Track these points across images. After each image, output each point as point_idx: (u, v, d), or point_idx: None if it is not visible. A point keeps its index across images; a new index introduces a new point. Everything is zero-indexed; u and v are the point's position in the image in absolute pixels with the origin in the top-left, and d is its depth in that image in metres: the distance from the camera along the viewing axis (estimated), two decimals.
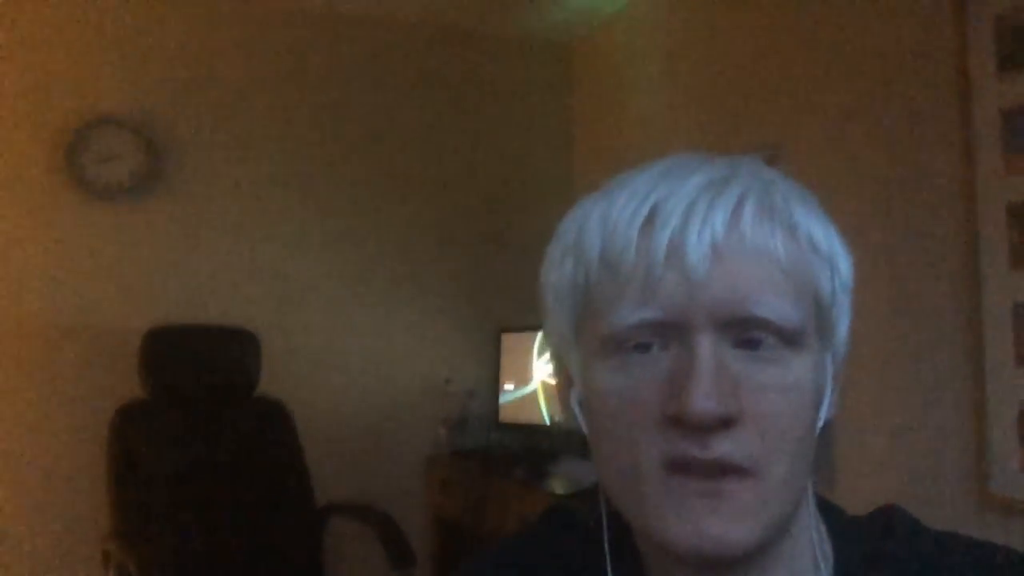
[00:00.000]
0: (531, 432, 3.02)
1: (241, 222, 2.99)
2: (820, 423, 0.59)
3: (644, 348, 0.55)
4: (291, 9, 3.07)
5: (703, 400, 0.51)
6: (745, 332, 0.54)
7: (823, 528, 0.64)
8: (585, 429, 0.61)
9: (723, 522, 0.53)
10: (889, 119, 1.92)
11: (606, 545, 0.64)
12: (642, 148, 2.85)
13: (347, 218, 3.14)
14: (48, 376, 2.70)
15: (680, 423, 0.53)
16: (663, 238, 0.54)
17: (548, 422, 2.91)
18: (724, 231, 0.54)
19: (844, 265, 0.59)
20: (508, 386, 3.15)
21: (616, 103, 3.19)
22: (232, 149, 2.98)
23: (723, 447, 0.52)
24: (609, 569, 0.64)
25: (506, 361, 3.17)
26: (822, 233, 0.57)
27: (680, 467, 0.54)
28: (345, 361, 3.11)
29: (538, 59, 3.46)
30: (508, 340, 3.17)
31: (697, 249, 0.53)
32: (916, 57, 1.86)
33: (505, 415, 3.15)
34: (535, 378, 3.03)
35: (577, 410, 0.61)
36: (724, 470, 0.53)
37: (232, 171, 2.98)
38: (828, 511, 0.66)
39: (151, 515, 2.37)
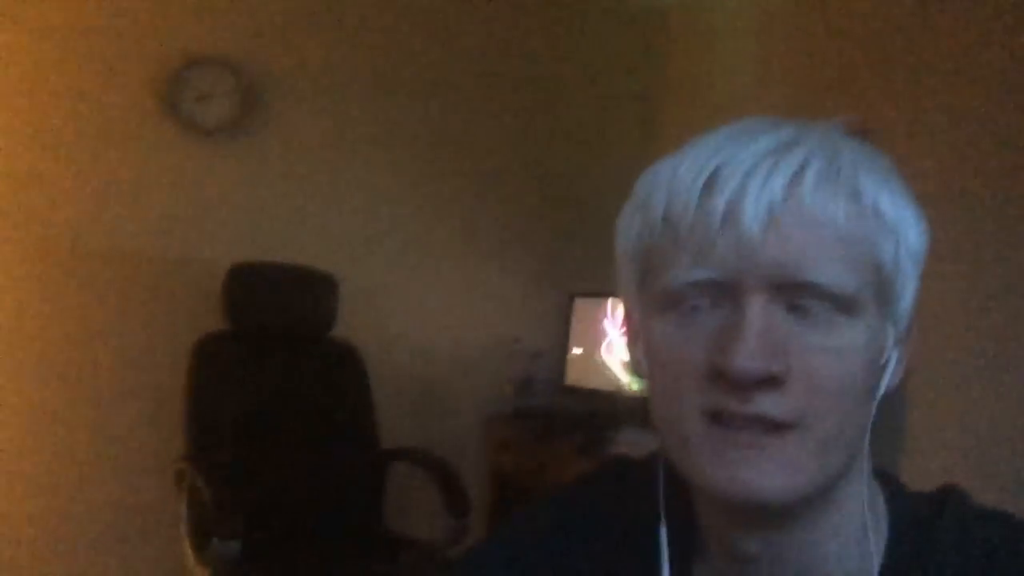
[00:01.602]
0: (596, 398, 3.03)
1: (329, 166, 3.05)
2: (881, 390, 0.59)
3: (698, 306, 0.57)
4: None
5: (747, 358, 0.53)
6: (797, 296, 0.55)
7: (880, 499, 0.64)
8: (646, 379, 0.62)
9: (758, 473, 0.54)
10: (994, 108, 1.85)
11: (660, 492, 0.66)
12: (729, 114, 2.77)
13: (432, 172, 3.17)
14: (134, 303, 2.81)
15: (724, 378, 0.54)
16: (721, 200, 0.55)
17: (614, 388, 2.91)
18: (782, 195, 0.54)
19: (913, 234, 0.58)
20: (576, 350, 3.17)
21: (706, 73, 3.13)
22: (326, 95, 3.03)
23: (764, 403, 0.54)
24: (663, 514, 0.66)
25: (576, 325, 3.19)
26: (889, 200, 0.57)
27: (721, 419, 0.55)
28: (419, 312, 3.16)
29: (628, 23, 3.41)
30: (580, 305, 3.18)
31: (753, 212, 0.54)
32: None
33: (571, 379, 3.17)
34: (604, 344, 3.03)
35: (641, 362, 0.63)
36: (764, 425, 0.54)
37: (324, 116, 3.04)
38: (887, 484, 0.66)
39: (223, 442, 2.47)
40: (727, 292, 0.56)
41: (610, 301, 3.01)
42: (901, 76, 2.13)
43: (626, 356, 0.70)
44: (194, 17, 2.87)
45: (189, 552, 2.30)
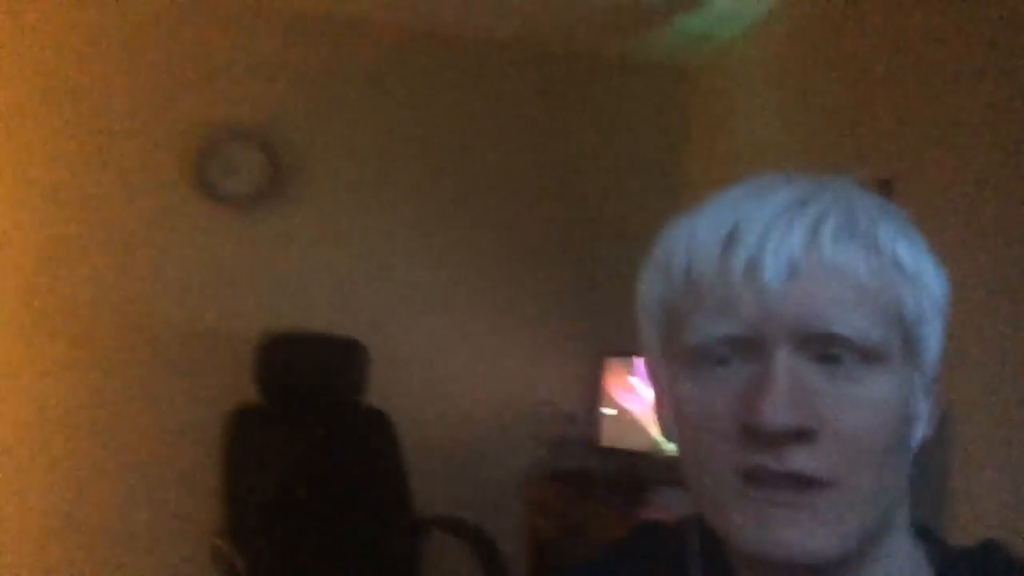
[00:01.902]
0: (632, 458, 2.99)
1: (355, 234, 3.09)
2: (914, 443, 0.59)
3: (724, 362, 0.57)
4: (412, 33, 3.17)
5: (776, 413, 0.52)
6: (823, 348, 0.54)
7: (921, 555, 0.63)
8: (676, 441, 0.62)
9: (799, 532, 0.54)
10: (1014, 158, 1.84)
11: (696, 557, 0.65)
12: (750, 171, 2.79)
13: (458, 235, 3.20)
14: (164, 377, 2.85)
15: (755, 434, 0.53)
16: (742, 255, 0.55)
17: (649, 448, 2.88)
18: (802, 249, 0.55)
19: (935, 284, 0.58)
20: (609, 411, 3.14)
21: (726, 130, 3.15)
22: (350, 165, 3.09)
23: (798, 459, 0.53)
24: (700, 569, 0.65)
25: (609, 386, 3.16)
26: (908, 251, 0.57)
27: (756, 478, 0.54)
28: (449, 377, 3.16)
29: (650, 82, 3.45)
30: (612, 365, 3.16)
31: (774, 266, 0.54)
32: None
33: (605, 439, 3.14)
34: (636, 404, 3.01)
35: (669, 423, 0.63)
36: (800, 482, 0.53)
37: (350, 185, 3.09)
38: (929, 539, 0.65)
39: (259, 516, 2.46)
40: (752, 347, 0.55)
41: (640, 360, 2.99)
42: (919, 129, 2.13)
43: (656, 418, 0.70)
44: (223, 90, 2.95)
45: None
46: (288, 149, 3.01)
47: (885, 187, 2.15)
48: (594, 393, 3.22)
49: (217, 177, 2.89)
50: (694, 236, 0.59)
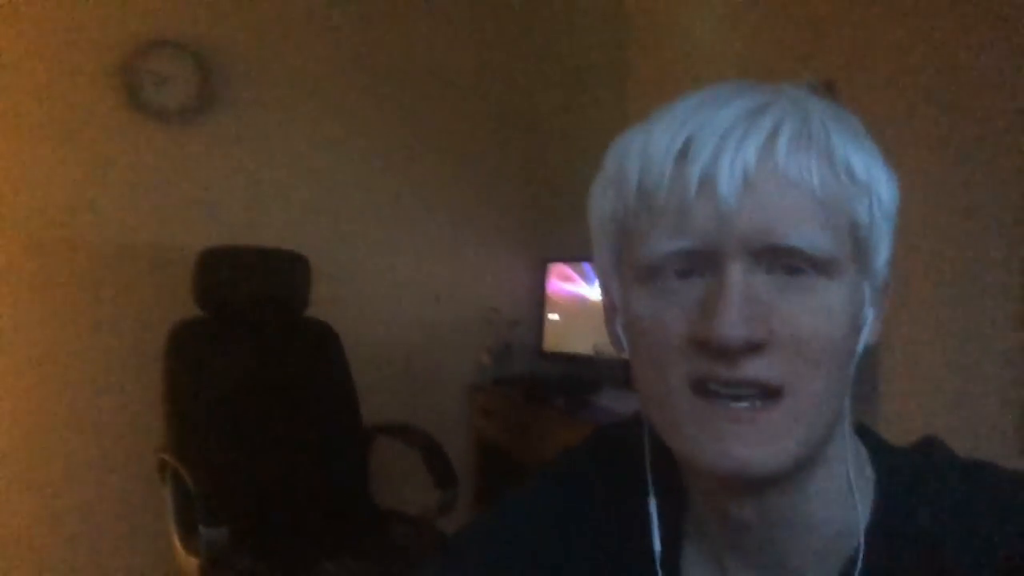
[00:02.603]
0: (574, 362, 3.04)
1: (293, 147, 3.01)
2: (860, 348, 0.60)
3: (678, 276, 0.57)
4: None
5: (729, 326, 0.53)
6: (777, 260, 0.55)
7: (864, 454, 0.65)
8: (627, 355, 0.62)
9: (748, 445, 0.54)
10: (954, 57, 1.86)
11: (647, 463, 0.66)
12: (696, 80, 2.78)
13: (398, 147, 3.14)
14: (103, 294, 2.77)
15: (708, 347, 0.54)
16: (696, 169, 0.55)
17: (592, 352, 2.93)
18: (756, 161, 0.54)
19: (886, 193, 0.59)
20: (553, 316, 3.17)
21: (670, 36, 3.11)
22: (286, 75, 2.98)
23: (752, 368, 0.54)
24: (651, 485, 0.66)
25: (551, 291, 3.19)
26: (861, 160, 0.57)
27: (707, 389, 0.55)
28: (393, 287, 3.15)
29: None
30: (554, 270, 3.18)
31: (728, 180, 0.54)
32: None
33: (548, 344, 3.18)
34: (580, 308, 3.04)
35: (620, 336, 0.63)
36: (752, 389, 0.54)
37: (286, 97, 2.99)
38: (869, 440, 0.67)
39: (203, 429, 2.45)
40: (706, 260, 0.55)
41: (584, 265, 3.01)
42: (861, 32, 2.13)
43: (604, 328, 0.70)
44: (149, 1, 2.80)
45: (177, 542, 2.29)
46: (220, 59, 2.88)
47: (828, 88, 2.16)
48: (538, 299, 3.25)
49: (149, 90, 2.77)
50: (646, 149, 0.58)
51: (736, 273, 0.54)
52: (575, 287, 3.06)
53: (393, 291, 3.15)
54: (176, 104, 2.81)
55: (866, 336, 0.60)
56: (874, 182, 0.58)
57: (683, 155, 0.56)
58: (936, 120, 1.90)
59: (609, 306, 0.66)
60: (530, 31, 3.30)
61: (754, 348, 0.54)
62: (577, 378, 2.91)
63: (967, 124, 1.82)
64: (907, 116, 1.96)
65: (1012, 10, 1.72)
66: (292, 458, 2.56)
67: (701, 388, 0.55)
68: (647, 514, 0.66)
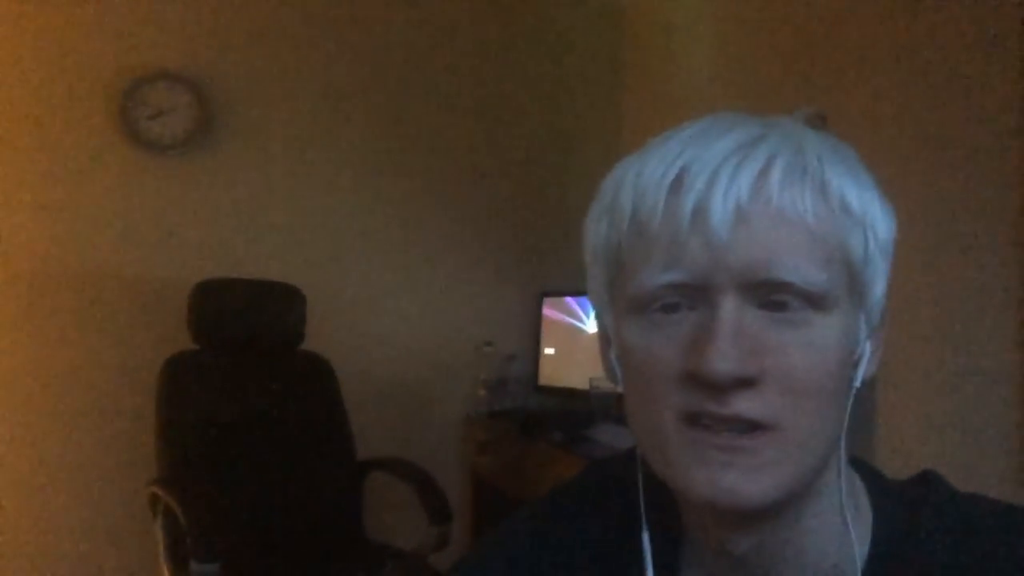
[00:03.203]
0: (570, 396, 3.03)
1: (289, 180, 3.02)
2: (857, 383, 0.59)
3: (670, 308, 0.56)
4: None
5: (720, 360, 0.52)
6: (769, 295, 0.54)
7: (861, 487, 0.65)
8: (621, 385, 0.62)
9: (738, 476, 0.54)
10: (943, 86, 1.87)
11: (641, 496, 0.66)
12: (690, 108, 2.80)
13: (394, 179, 3.15)
14: (97, 327, 2.77)
15: (699, 380, 0.54)
16: (689, 201, 0.55)
17: (587, 385, 2.91)
18: (749, 194, 0.54)
19: (882, 226, 0.58)
20: (548, 350, 3.17)
21: (665, 63, 3.14)
22: (284, 107, 3.01)
23: (741, 404, 0.53)
24: (644, 518, 0.66)
25: (547, 325, 3.19)
26: (856, 194, 0.57)
27: (698, 422, 0.55)
28: (388, 320, 3.15)
29: (588, 17, 3.42)
30: (550, 304, 3.18)
31: (721, 212, 0.54)
32: (973, 13, 1.81)
33: (544, 378, 3.17)
34: (575, 342, 3.03)
35: (614, 366, 0.63)
36: (742, 424, 0.54)
37: (282, 130, 3.01)
38: (866, 473, 0.66)
39: (196, 463, 2.43)
40: (698, 293, 0.55)
41: (579, 300, 3.01)
42: (853, 64, 2.15)
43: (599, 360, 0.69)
44: (144, 32, 2.83)
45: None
46: (216, 92, 2.90)
47: (819, 121, 2.18)
48: (533, 333, 3.25)
49: (144, 122, 2.79)
50: (640, 179, 0.58)
51: (728, 307, 0.54)
52: (571, 321, 3.06)
53: (388, 325, 3.14)
54: (171, 137, 2.83)
55: (864, 370, 0.60)
56: (869, 216, 0.57)
57: (677, 186, 0.56)
58: (927, 150, 1.91)
59: (603, 336, 0.65)
60: (526, 62, 3.33)
61: (745, 383, 0.53)
62: (572, 412, 2.90)
63: (958, 153, 1.84)
64: (897, 146, 1.97)
65: (1002, 40, 1.74)
66: (285, 492, 2.54)
67: (692, 420, 0.55)
68: (641, 548, 0.65)
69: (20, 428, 2.69)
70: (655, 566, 0.65)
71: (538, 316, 3.22)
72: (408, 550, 2.46)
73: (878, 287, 0.59)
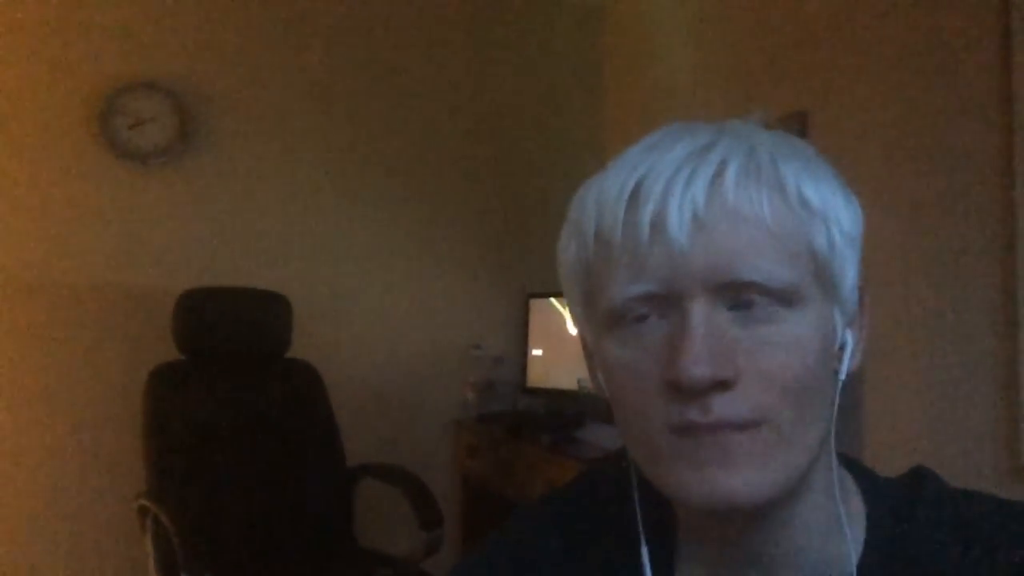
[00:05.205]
0: (558, 397, 3.03)
1: (272, 187, 3.01)
2: (842, 375, 0.60)
3: (642, 319, 0.57)
4: None
5: (694, 365, 0.53)
6: (737, 296, 0.55)
7: (851, 485, 0.65)
8: (608, 399, 0.63)
9: (733, 476, 0.54)
10: (924, 85, 1.89)
11: (636, 500, 0.66)
12: (671, 112, 2.82)
13: (378, 183, 3.15)
14: (81, 338, 2.75)
15: (678, 388, 0.54)
16: (646, 213, 0.56)
17: (575, 387, 2.92)
18: (705, 200, 0.55)
19: (845, 217, 0.59)
20: (536, 352, 3.17)
21: (646, 67, 3.16)
22: (264, 116, 3.00)
23: (723, 409, 0.54)
24: (640, 521, 0.66)
25: (534, 326, 3.19)
26: (814, 188, 0.57)
27: (686, 431, 0.55)
28: (375, 325, 3.14)
29: (569, 21, 3.43)
30: (536, 306, 3.18)
31: (678, 221, 0.55)
32: (953, 13, 1.82)
33: (532, 380, 3.17)
34: (563, 343, 3.04)
35: (600, 380, 0.64)
36: (728, 430, 0.54)
37: (264, 137, 3.00)
38: (857, 471, 0.67)
39: (185, 473, 2.42)
40: (668, 302, 0.56)
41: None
42: (833, 62, 2.16)
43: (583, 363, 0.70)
44: (125, 42, 2.81)
45: None
46: (197, 100, 2.89)
47: (800, 119, 2.19)
48: (521, 335, 3.25)
49: (125, 131, 2.77)
50: (600, 196, 0.59)
51: (697, 312, 0.55)
52: (557, 322, 3.06)
53: (375, 329, 3.14)
54: (154, 145, 2.81)
55: (848, 363, 0.60)
56: (830, 208, 0.58)
57: (634, 200, 0.57)
58: (911, 149, 1.92)
59: (587, 352, 0.67)
60: (507, 66, 3.34)
61: (723, 385, 0.54)
62: (561, 413, 2.90)
63: (942, 151, 1.85)
64: (881, 144, 1.98)
65: (983, 38, 1.75)
66: (275, 500, 2.53)
67: (681, 432, 0.55)
68: (638, 556, 0.65)
69: (4, 442, 2.67)
70: (654, 566, 0.65)
71: (525, 318, 3.23)
72: (400, 556, 2.46)
73: (848, 278, 0.59)
